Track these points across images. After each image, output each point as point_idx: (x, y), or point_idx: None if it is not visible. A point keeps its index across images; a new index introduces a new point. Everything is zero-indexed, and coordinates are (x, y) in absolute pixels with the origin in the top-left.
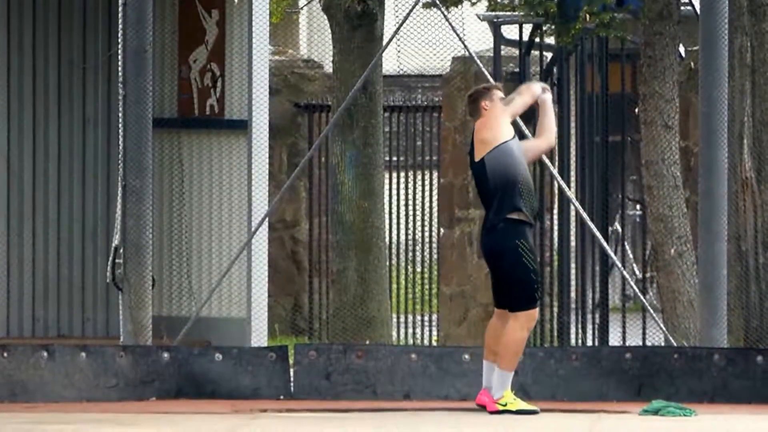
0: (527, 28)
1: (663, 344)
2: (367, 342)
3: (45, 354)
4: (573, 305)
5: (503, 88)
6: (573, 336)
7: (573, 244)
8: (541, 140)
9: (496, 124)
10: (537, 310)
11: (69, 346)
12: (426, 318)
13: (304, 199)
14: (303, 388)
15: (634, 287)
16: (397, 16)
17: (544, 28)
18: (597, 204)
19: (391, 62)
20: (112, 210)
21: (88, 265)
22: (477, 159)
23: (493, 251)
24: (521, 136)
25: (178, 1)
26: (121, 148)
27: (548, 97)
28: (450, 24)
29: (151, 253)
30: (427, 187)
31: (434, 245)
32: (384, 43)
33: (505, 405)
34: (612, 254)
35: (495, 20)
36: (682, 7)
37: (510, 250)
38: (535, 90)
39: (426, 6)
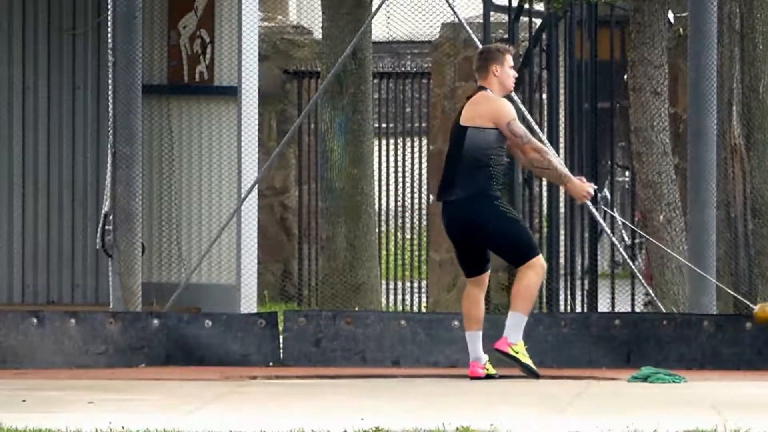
0: None
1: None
2: (357, 308)
3: (34, 320)
4: (562, 271)
5: None
6: (562, 302)
7: (562, 210)
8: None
9: (488, 108)
10: (541, 256)
11: (58, 313)
12: (415, 284)
13: (293, 165)
14: (292, 354)
15: (623, 253)
16: None
17: None
18: (586, 170)
19: (380, 28)
20: (102, 176)
21: (77, 232)
22: (462, 123)
23: (469, 219)
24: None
25: None
26: (110, 114)
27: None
28: None
29: (141, 219)
30: (416, 154)
31: (423, 212)
32: (373, 9)
33: (517, 353)
34: (601, 220)
35: None
36: None
37: (491, 211)
38: (577, 190)
39: None
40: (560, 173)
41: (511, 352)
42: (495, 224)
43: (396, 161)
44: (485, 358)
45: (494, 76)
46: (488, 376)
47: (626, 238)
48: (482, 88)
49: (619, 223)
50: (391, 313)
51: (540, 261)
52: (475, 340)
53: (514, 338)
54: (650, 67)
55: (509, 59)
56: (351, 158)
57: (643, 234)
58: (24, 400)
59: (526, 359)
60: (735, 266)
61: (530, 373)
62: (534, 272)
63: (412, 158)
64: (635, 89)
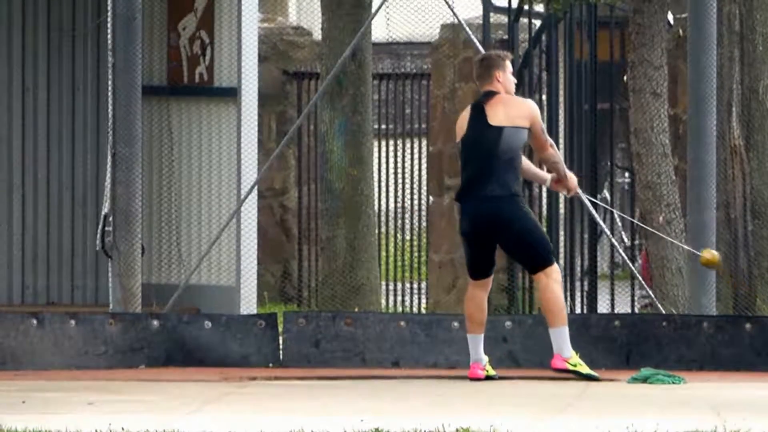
0: None
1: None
2: (356, 309)
3: (34, 322)
4: (562, 272)
5: None
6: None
7: (562, 211)
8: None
9: (531, 111)
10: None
11: (58, 314)
12: (415, 285)
13: (293, 166)
14: (292, 355)
15: (623, 255)
16: None
17: None
18: (586, 171)
19: (380, 29)
20: (102, 177)
21: (77, 233)
22: (493, 123)
23: (496, 218)
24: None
25: None
26: (110, 115)
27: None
28: None
29: (141, 220)
30: (416, 155)
31: (423, 213)
32: (373, 10)
33: (575, 366)
34: (601, 222)
35: None
36: None
37: (519, 214)
38: (570, 184)
39: None
40: (564, 167)
41: (570, 368)
42: (522, 226)
43: (396, 162)
44: (486, 359)
45: (498, 82)
46: (488, 377)
47: (626, 240)
48: (492, 92)
49: (619, 224)
50: (391, 314)
51: (556, 268)
52: (477, 343)
53: (567, 353)
54: (650, 68)
55: (509, 65)
56: (351, 159)
57: (652, 230)
58: (24, 402)
59: (586, 369)
60: (735, 267)
61: (593, 380)
62: (554, 281)
63: (412, 159)
64: (635, 90)
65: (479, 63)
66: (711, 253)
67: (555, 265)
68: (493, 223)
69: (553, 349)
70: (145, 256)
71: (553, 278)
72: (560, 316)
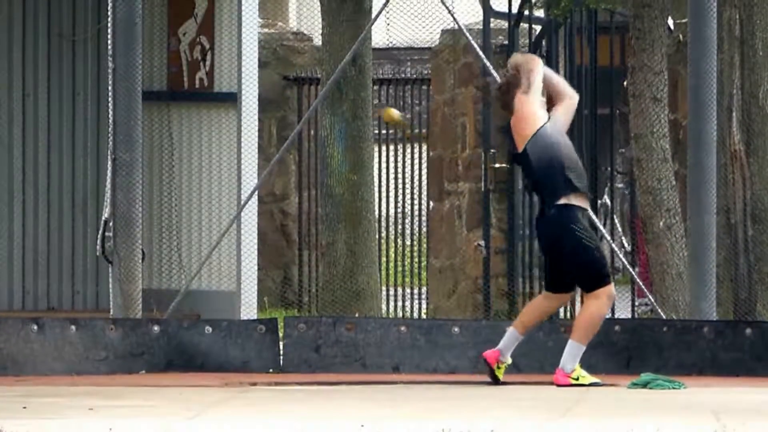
0: (516, 1)
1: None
2: (357, 315)
3: (35, 327)
4: None
5: (492, 61)
6: (561, 308)
7: None
8: (564, 102)
9: (531, 114)
10: (612, 285)
11: (59, 319)
12: (415, 291)
13: (293, 172)
14: (292, 360)
15: (623, 260)
16: None
17: (534, 1)
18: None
19: (380, 35)
20: (102, 183)
21: (77, 238)
22: (519, 151)
23: (550, 239)
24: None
25: None
26: (110, 121)
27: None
28: None
29: (141, 226)
30: (416, 160)
31: (423, 218)
32: (373, 15)
33: (578, 379)
34: (601, 227)
35: None
36: None
37: (567, 236)
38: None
39: None
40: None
41: (572, 382)
42: (572, 251)
43: (396, 167)
44: (509, 361)
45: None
46: (494, 377)
47: (626, 245)
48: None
49: (619, 229)
50: (391, 319)
51: (609, 289)
52: (513, 340)
53: (569, 367)
54: (650, 73)
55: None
56: (351, 164)
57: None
58: (24, 407)
59: (588, 379)
60: (735, 272)
61: (598, 386)
62: (603, 302)
63: (412, 164)
64: (635, 95)
65: (498, 92)
66: (391, 116)
67: (608, 287)
68: (550, 246)
69: (560, 360)
70: (145, 262)
71: (602, 299)
72: (588, 335)
